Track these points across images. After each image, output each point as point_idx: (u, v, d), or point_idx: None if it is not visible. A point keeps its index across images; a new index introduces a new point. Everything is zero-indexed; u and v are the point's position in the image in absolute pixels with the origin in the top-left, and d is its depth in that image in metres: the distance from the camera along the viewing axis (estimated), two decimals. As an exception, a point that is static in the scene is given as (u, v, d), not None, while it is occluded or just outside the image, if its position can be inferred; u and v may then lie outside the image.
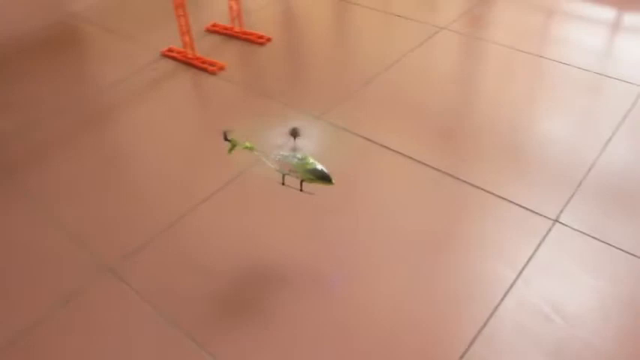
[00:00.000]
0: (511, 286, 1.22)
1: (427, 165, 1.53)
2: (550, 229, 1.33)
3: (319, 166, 1.22)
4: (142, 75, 1.98)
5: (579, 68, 1.89)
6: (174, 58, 2.05)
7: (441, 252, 1.31)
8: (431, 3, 2.38)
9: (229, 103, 1.84)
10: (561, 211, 1.37)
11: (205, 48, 2.08)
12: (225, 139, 1.29)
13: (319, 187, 1.22)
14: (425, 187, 1.48)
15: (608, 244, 1.30)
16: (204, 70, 1.98)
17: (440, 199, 1.45)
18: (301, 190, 1.26)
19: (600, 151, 1.54)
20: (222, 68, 1.98)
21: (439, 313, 1.19)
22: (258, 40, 2.11)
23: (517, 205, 1.40)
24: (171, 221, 1.41)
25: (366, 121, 1.71)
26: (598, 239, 1.31)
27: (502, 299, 1.20)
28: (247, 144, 1.28)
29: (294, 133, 1.22)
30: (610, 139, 1.58)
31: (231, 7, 2.14)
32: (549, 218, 1.36)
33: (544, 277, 1.24)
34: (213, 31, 2.21)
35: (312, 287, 1.25)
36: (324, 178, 1.22)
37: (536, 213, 1.37)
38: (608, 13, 2.24)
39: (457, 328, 1.16)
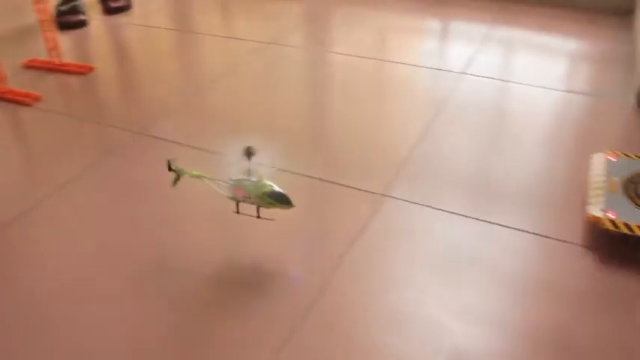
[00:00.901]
0: (340, 261, 1.16)
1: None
2: (381, 204, 1.31)
3: (277, 189, 1.09)
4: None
5: (409, 65, 1.97)
6: (-16, 96, 1.87)
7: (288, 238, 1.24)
8: (264, 24, 2.39)
9: (47, 130, 1.69)
10: (389, 187, 1.36)
11: (22, 83, 1.93)
12: (170, 169, 1.15)
13: (277, 212, 1.10)
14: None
15: (441, 210, 1.30)
16: (19, 102, 1.82)
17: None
18: (258, 216, 1.12)
19: (426, 130, 1.58)
20: (37, 99, 1.83)
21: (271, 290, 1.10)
22: (79, 71, 1.99)
23: (350, 187, 1.37)
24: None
25: (196, 132, 1.63)
26: (429, 206, 1.31)
27: (334, 271, 1.13)
28: (195, 172, 1.15)
29: (249, 153, 1.07)
30: (433, 120, 1.62)
31: (47, 39, 2.01)
32: (378, 194, 1.34)
33: (376, 246, 1.20)
34: (32, 66, 2.06)
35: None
36: (283, 201, 1.09)
37: (365, 191, 1.35)
38: (434, 24, 2.38)
39: (290, 303, 1.07)
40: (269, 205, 1.09)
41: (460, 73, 1.88)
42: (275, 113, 1.72)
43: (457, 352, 0.99)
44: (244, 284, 1.12)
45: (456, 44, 2.16)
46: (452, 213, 1.29)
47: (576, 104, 1.73)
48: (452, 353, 0.98)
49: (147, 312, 1.07)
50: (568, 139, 1.57)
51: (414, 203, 1.32)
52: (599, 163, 1.34)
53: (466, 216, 1.28)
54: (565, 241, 1.21)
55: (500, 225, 1.25)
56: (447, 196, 1.34)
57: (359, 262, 1.17)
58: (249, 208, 1.12)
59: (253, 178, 1.09)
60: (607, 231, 1.17)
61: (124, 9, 2.53)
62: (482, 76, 1.86)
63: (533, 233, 1.23)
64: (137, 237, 1.26)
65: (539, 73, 1.89)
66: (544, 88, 1.80)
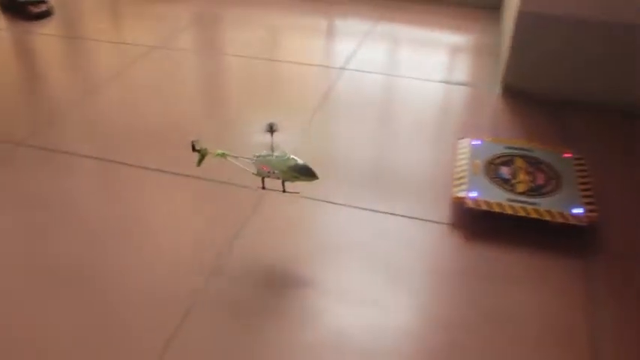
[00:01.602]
0: (225, 256, 1.20)
1: (147, 168, 1.47)
2: (261, 197, 1.35)
3: (301, 162, 1.12)
4: None
5: (297, 63, 2.03)
6: None
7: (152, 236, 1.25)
8: (153, 27, 2.38)
9: None
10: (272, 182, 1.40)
11: None
12: (194, 149, 1.18)
13: (304, 185, 1.14)
14: (134, 186, 1.42)
15: (320, 200, 1.36)
16: None
17: (167, 194, 1.41)
18: (284, 191, 1.16)
19: (307, 125, 1.64)
20: None
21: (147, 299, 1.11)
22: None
23: (234, 184, 1.41)
24: None
25: (87, 140, 1.61)
26: (309, 197, 1.36)
27: (218, 267, 1.16)
28: (219, 152, 1.17)
29: (272, 129, 1.11)
30: (313, 116, 1.69)
31: None
32: (261, 188, 1.38)
33: (260, 240, 1.25)
34: None
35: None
36: (308, 173, 1.12)
37: (246, 187, 1.38)
38: (321, 21, 2.44)
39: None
40: (294, 178, 1.13)
41: (341, 68, 1.96)
42: (168, 117, 1.72)
43: (340, 332, 1.04)
44: (137, 277, 1.15)
45: (341, 41, 2.24)
46: (331, 203, 1.35)
47: (450, 94, 1.85)
48: (336, 334, 1.04)
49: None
50: (442, 127, 1.68)
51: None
52: (463, 147, 1.45)
53: (346, 205, 1.35)
54: (436, 222, 1.30)
55: (378, 211, 1.33)
56: (326, 187, 1.39)
57: (242, 257, 1.20)
58: (274, 183, 1.17)
59: (277, 153, 1.13)
60: (470, 210, 1.28)
61: (46, 14, 2.43)
62: (364, 71, 1.95)
63: (408, 217, 1.31)
64: (30, 248, 1.24)
65: (417, 65, 2.00)
66: (421, 79, 1.91)
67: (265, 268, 1.18)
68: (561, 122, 1.67)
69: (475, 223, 1.29)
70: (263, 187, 1.18)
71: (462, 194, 1.29)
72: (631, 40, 1.65)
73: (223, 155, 1.18)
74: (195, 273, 1.16)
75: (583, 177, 1.37)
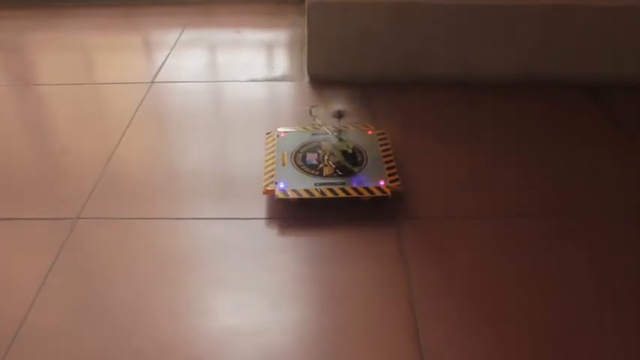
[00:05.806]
0: (31, 307, 1.13)
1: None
2: (73, 228, 1.30)
3: (350, 151, 1.38)
4: None
5: (111, 84, 1.97)
6: None
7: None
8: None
9: None
10: (82, 209, 1.35)
11: None
12: (311, 113, 1.49)
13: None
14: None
15: (137, 218, 1.34)
16: None
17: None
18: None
19: (116, 145, 1.59)
20: None
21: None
22: None
23: (30, 219, 1.34)
24: None
25: None
26: (126, 218, 1.33)
27: (23, 320, 1.10)
28: (319, 122, 1.48)
29: (340, 115, 1.40)
30: (124, 132, 1.65)
31: None
32: (70, 218, 1.32)
33: (79, 269, 1.20)
34: None
35: None
36: (353, 162, 1.37)
37: (56, 219, 1.33)
38: (132, 37, 2.38)
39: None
40: (343, 160, 1.36)
41: (154, 82, 1.93)
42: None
43: (172, 345, 1.03)
44: None
45: (155, 54, 2.20)
46: (148, 219, 1.33)
47: (265, 91, 1.89)
48: (165, 348, 1.03)
49: None
50: (256, 125, 1.69)
51: (110, 218, 1.33)
52: (271, 140, 1.49)
53: (162, 218, 1.33)
54: (256, 219, 1.32)
55: (197, 218, 1.33)
56: (140, 204, 1.37)
57: (60, 293, 1.15)
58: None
59: (343, 137, 1.40)
60: (283, 200, 1.31)
61: None
62: (177, 81, 1.93)
63: (229, 218, 1.32)
64: None
65: (230, 68, 2.02)
66: (235, 81, 1.93)
67: (93, 298, 1.13)
68: (366, 102, 1.76)
69: (292, 213, 1.32)
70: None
71: (270, 187, 1.32)
72: (417, 17, 1.77)
73: (323, 125, 1.46)
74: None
75: (385, 150, 1.46)
